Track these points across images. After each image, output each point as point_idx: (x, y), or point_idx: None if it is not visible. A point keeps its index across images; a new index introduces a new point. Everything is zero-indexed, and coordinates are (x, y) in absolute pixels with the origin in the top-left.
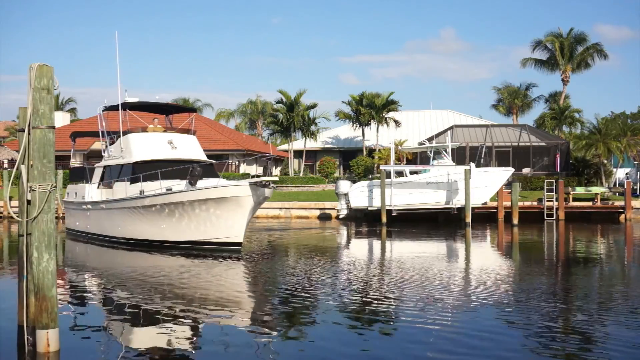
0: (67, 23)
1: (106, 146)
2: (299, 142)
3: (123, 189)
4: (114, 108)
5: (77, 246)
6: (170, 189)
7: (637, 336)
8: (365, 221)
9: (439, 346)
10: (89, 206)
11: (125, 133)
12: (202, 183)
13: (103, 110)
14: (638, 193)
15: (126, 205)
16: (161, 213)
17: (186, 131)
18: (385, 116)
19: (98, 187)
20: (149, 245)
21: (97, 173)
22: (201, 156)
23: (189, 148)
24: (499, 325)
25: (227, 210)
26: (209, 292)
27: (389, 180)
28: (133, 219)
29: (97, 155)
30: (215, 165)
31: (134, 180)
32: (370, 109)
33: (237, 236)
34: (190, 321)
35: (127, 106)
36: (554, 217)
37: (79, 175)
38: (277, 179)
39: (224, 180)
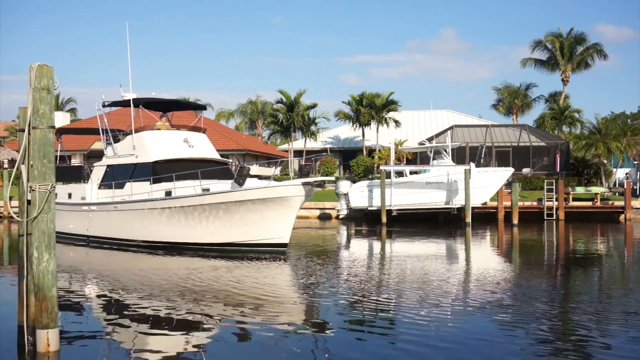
0: (67, 23)
1: (107, 144)
2: (299, 142)
3: (141, 189)
4: (120, 104)
5: (82, 250)
6: (208, 189)
7: (637, 337)
8: (365, 221)
9: (440, 350)
10: (93, 207)
11: (136, 131)
12: (220, 185)
13: (104, 106)
14: (638, 193)
15: (152, 206)
16: (200, 214)
17: (197, 129)
18: (385, 116)
19: (100, 187)
20: (176, 248)
21: (98, 172)
22: (215, 155)
23: (204, 147)
24: (499, 327)
25: (276, 210)
26: (224, 293)
27: (389, 180)
28: (160, 221)
29: (98, 155)
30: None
31: (155, 180)
32: (370, 109)
33: (284, 237)
34: (200, 323)
35: (140, 102)
36: (554, 217)
37: (71, 175)
38: (332, 178)
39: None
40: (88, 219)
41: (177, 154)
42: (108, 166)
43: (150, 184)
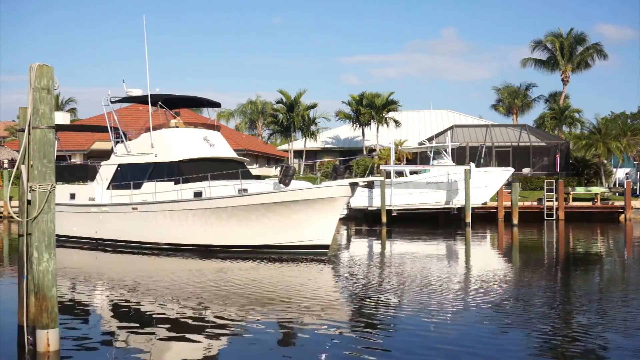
0: (67, 23)
1: (118, 142)
2: (299, 142)
3: (163, 190)
4: (134, 100)
5: (91, 255)
6: (246, 190)
7: (637, 338)
8: (365, 221)
9: (439, 352)
10: (105, 209)
11: (150, 129)
12: (258, 185)
13: (112, 103)
14: (638, 193)
15: (184, 207)
16: (238, 215)
17: (211, 127)
18: (385, 116)
19: (111, 187)
20: (206, 251)
21: (106, 172)
22: (234, 154)
23: (224, 145)
24: (499, 329)
25: (320, 211)
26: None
27: (389, 180)
28: (190, 222)
29: (98, 155)
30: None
31: (179, 181)
32: (370, 109)
33: (326, 238)
34: (210, 327)
35: (159, 98)
36: (554, 217)
37: (76, 175)
38: (381, 178)
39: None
40: (98, 221)
41: (201, 153)
42: (119, 165)
43: (176, 184)
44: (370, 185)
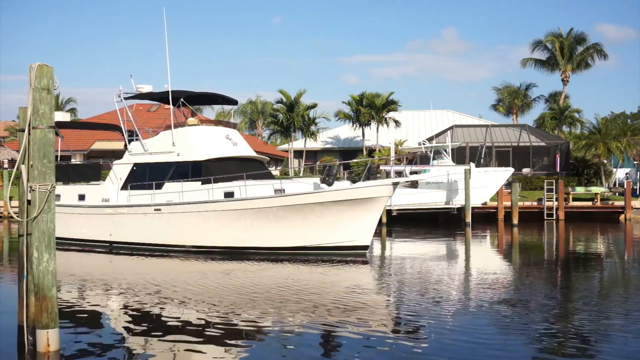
0: (67, 22)
1: (132, 140)
2: (299, 142)
3: (190, 190)
4: (149, 97)
5: (106, 258)
6: (283, 190)
7: (637, 338)
8: None
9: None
10: (122, 210)
11: (168, 127)
12: (297, 185)
13: (125, 99)
14: (638, 193)
15: (219, 208)
16: (275, 216)
17: (228, 125)
18: (385, 116)
19: (127, 188)
20: (237, 253)
21: (120, 171)
22: (254, 153)
23: (244, 144)
24: (500, 330)
25: (361, 211)
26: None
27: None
28: (220, 224)
29: (98, 155)
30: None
31: (206, 181)
32: (370, 109)
33: (366, 239)
34: (220, 331)
35: (181, 95)
36: (554, 217)
37: (86, 174)
38: (420, 178)
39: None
40: (112, 223)
41: (226, 152)
42: (135, 164)
43: (203, 183)
44: (414, 185)
